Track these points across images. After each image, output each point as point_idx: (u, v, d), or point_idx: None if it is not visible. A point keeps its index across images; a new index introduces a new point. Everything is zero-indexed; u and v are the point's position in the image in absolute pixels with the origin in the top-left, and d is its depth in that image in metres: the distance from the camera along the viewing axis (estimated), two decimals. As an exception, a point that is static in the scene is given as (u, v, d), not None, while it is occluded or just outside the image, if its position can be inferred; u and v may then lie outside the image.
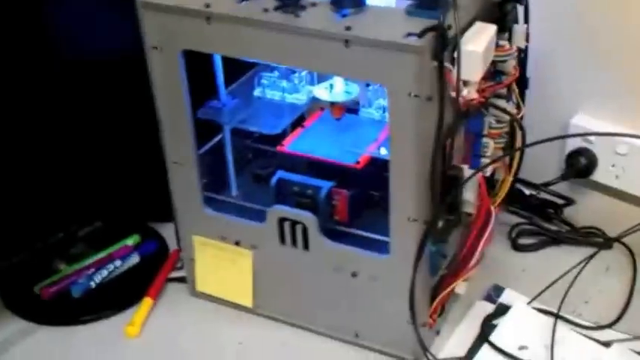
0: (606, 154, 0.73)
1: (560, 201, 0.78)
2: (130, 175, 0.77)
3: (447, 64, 0.56)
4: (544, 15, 0.69)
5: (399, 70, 0.55)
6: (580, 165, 0.74)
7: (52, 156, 0.74)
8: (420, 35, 0.54)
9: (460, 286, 0.67)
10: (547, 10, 0.70)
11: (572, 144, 0.75)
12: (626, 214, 0.74)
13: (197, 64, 0.64)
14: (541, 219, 0.79)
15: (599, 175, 0.75)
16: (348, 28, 0.55)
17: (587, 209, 0.78)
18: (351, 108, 0.69)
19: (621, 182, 0.74)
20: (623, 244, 0.75)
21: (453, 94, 0.57)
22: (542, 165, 0.76)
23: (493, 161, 0.62)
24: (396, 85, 0.56)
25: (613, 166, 0.73)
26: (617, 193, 0.75)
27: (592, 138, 0.71)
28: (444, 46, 0.54)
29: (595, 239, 0.76)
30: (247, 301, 0.70)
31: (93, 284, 0.73)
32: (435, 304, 0.65)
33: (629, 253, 0.75)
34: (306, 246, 0.65)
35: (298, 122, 0.71)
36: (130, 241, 0.78)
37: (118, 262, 0.75)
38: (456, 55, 0.56)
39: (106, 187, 0.77)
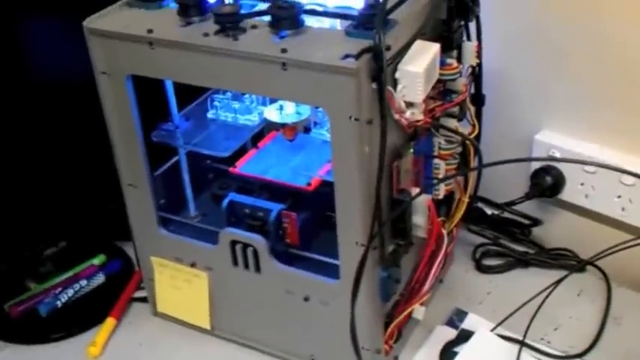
0: (574, 172, 0.70)
1: (526, 221, 0.75)
2: (96, 194, 0.77)
3: (387, 86, 0.54)
4: (502, 30, 0.67)
5: (336, 92, 0.53)
6: (546, 184, 0.71)
7: (17, 175, 0.75)
8: (357, 57, 0.53)
9: (418, 311, 0.65)
10: (505, 25, 0.68)
11: (538, 162, 0.72)
12: (598, 235, 0.71)
13: (150, 87, 0.64)
14: (508, 239, 0.76)
15: (568, 194, 0.71)
16: (284, 51, 0.54)
17: (557, 230, 0.75)
18: (308, 127, 0.69)
19: (591, 201, 0.71)
20: (597, 267, 0.71)
21: (396, 116, 0.56)
22: (506, 184, 0.73)
23: (440, 181, 0.59)
24: (334, 108, 0.54)
25: (582, 184, 0.70)
26: (588, 212, 0.71)
27: (558, 155, 0.67)
28: (382, 67, 0.53)
29: (566, 261, 0.73)
30: (205, 323, 0.70)
31: (59, 303, 0.74)
32: (389, 330, 0.63)
33: (603, 277, 0.72)
34: (257, 269, 0.65)
35: (255, 143, 0.71)
36: (97, 261, 0.78)
37: (83, 282, 0.76)
38: (396, 76, 0.55)
39: (71, 206, 0.78)
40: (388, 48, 0.54)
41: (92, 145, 0.74)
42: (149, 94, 0.64)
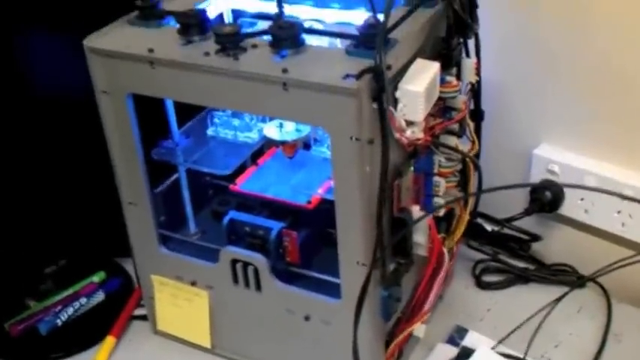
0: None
1: (525, 237, 0.75)
2: (95, 210, 0.77)
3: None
4: (499, 45, 0.67)
5: (337, 113, 0.53)
6: (545, 199, 0.71)
7: (17, 193, 0.75)
8: (358, 77, 0.53)
9: (419, 329, 0.65)
10: (502, 41, 0.68)
11: (537, 177, 0.72)
12: (598, 250, 0.71)
13: (150, 104, 0.64)
14: (508, 255, 0.76)
15: (567, 209, 0.71)
16: (285, 71, 0.54)
17: (557, 245, 0.75)
18: (307, 143, 0.69)
19: (591, 217, 0.70)
20: (598, 283, 0.71)
21: (397, 135, 0.56)
22: (506, 199, 0.73)
23: (444, 205, 0.60)
24: (335, 128, 0.54)
25: (582, 199, 0.70)
26: (588, 228, 0.71)
27: (557, 170, 0.68)
28: (383, 87, 0.53)
29: (566, 278, 0.73)
30: (206, 342, 0.69)
31: (59, 322, 0.74)
32: (390, 349, 0.63)
33: (603, 293, 0.71)
34: (258, 287, 0.64)
35: (255, 159, 0.71)
36: (96, 278, 0.78)
37: (83, 300, 0.76)
38: (396, 95, 0.55)
39: (71, 223, 0.77)
40: (389, 67, 0.54)
41: (92, 163, 0.73)
42: (149, 112, 0.64)
